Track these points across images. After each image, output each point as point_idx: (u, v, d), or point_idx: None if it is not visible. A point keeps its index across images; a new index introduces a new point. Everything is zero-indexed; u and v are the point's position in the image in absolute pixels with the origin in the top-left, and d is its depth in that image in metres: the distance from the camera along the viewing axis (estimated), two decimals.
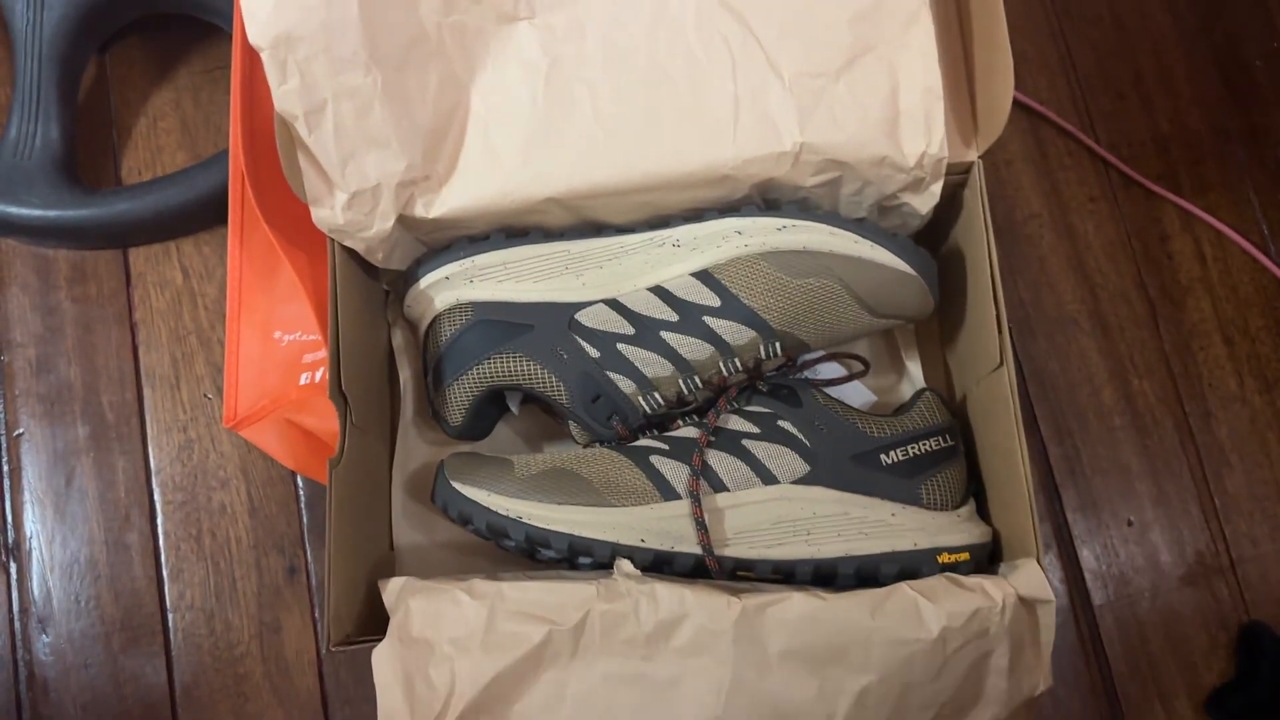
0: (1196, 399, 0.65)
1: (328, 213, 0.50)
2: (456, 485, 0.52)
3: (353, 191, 0.49)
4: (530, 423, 0.61)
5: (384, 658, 0.45)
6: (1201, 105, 0.70)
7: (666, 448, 0.53)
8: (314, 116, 0.48)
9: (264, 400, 0.58)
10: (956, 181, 0.53)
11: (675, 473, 0.52)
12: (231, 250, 0.60)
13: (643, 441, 0.54)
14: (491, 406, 0.57)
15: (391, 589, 0.47)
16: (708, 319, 0.52)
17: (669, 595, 0.45)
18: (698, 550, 0.51)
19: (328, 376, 0.49)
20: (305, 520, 0.62)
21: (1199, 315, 0.67)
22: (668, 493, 0.52)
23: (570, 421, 0.55)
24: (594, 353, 0.52)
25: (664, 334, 0.52)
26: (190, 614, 0.60)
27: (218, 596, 0.61)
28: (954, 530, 0.52)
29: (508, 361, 0.53)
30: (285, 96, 0.48)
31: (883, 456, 0.53)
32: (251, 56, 0.56)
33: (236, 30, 0.56)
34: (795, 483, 0.52)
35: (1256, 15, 0.71)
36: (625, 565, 0.48)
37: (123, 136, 0.67)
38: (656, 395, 0.53)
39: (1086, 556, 0.63)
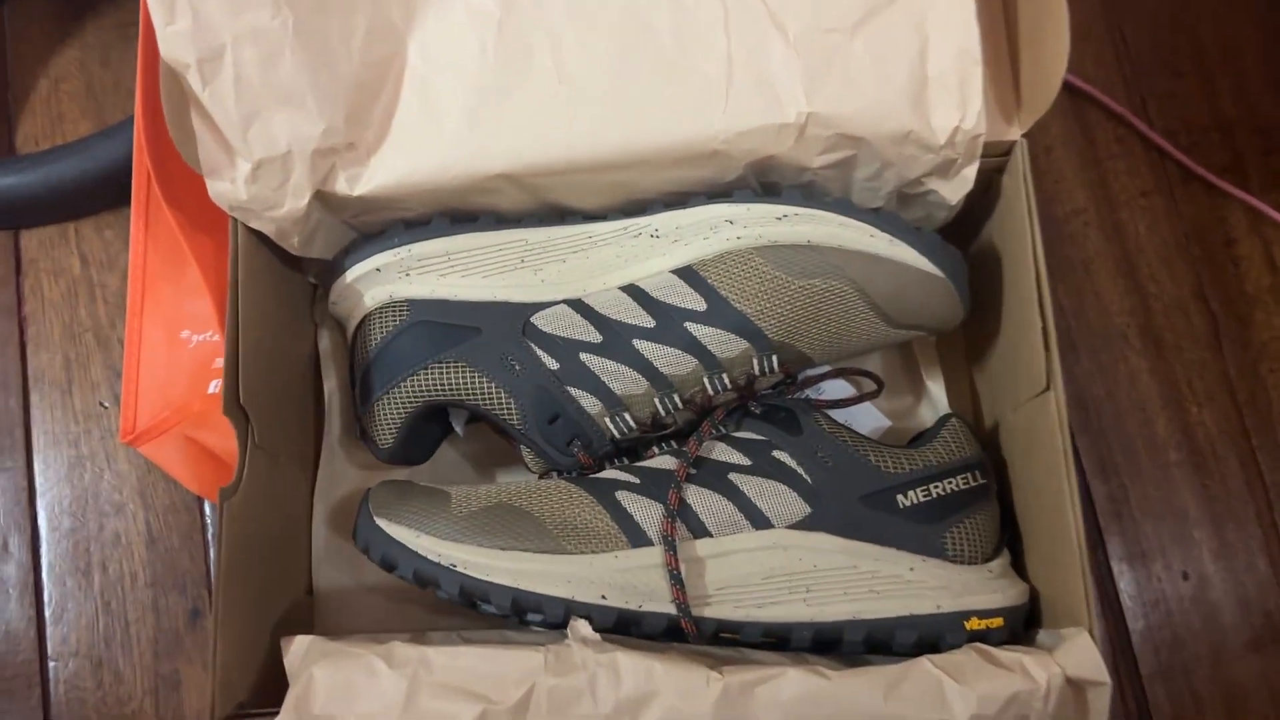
0: (1266, 431, 0.61)
1: (227, 186, 0.45)
2: (381, 522, 0.47)
3: (258, 160, 0.44)
4: (479, 446, 0.55)
5: None
6: (1273, 88, 0.65)
7: (637, 481, 0.48)
8: (209, 65, 0.43)
9: (166, 411, 0.53)
10: (993, 165, 0.48)
11: (646, 513, 0.47)
12: (135, 234, 0.55)
13: (608, 473, 0.49)
14: (430, 425, 0.52)
15: (295, 650, 0.42)
16: (690, 325, 0.47)
17: (634, 668, 0.40)
18: (671, 609, 0.45)
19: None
20: (212, 555, 0.57)
21: (1269, 333, 0.62)
22: (636, 538, 0.46)
23: (523, 446, 0.49)
24: (552, 364, 0.47)
25: (637, 342, 0.47)
26: (74, 662, 0.57)
27: (107, 642, 0.56)
28: (985, 589, 0.47)
29: (448, 372, 0.47)
30: (173, 40, 0.43)
31: (899, 497, 0.47)
32: None
33: None
34: (792, 527, 0.46)
35: None
36: (582, 627, 0.43)
37: (19, 100, 0.64)
38: (627, 416, 0.48)
39: (1134, 615, 0.58)
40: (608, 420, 0.48)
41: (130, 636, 0.56)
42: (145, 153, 0.51)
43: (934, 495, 0.47)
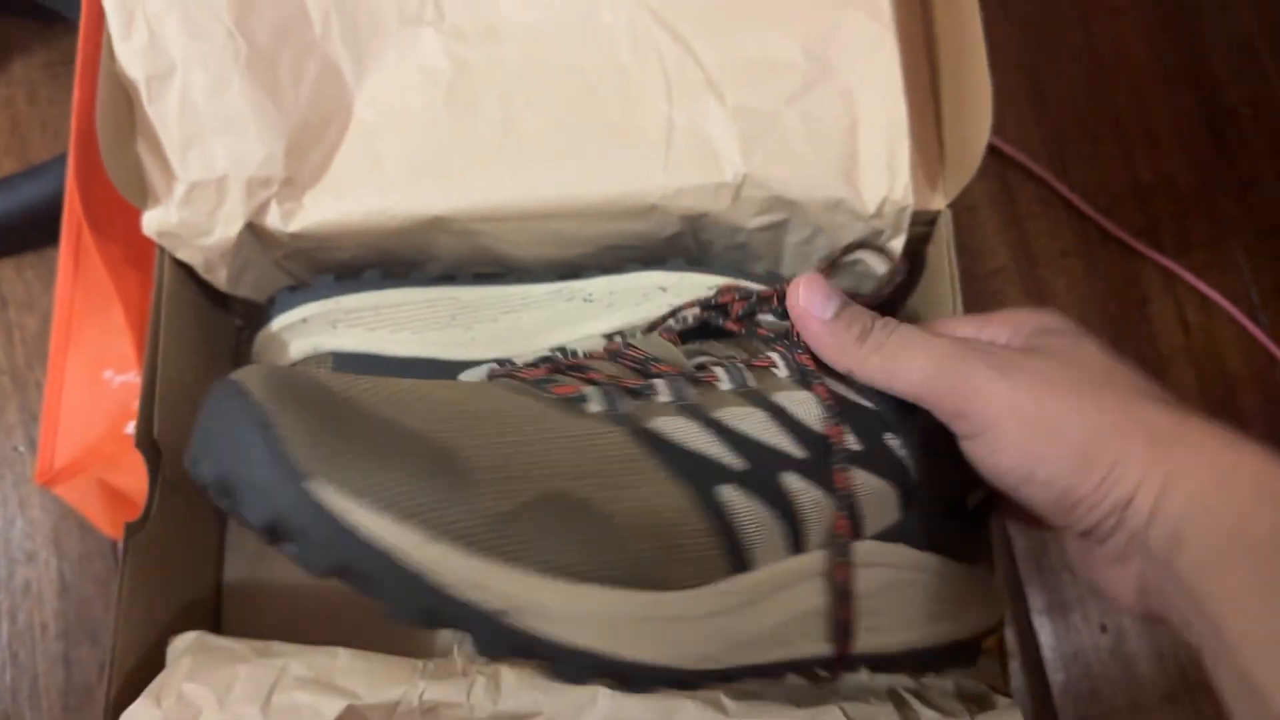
0: None
1: (160, 210, 0.44)
2: (333, 499, 0.28)
3: (193, 182, 0.43)
4: None
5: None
6: (1186, 153, 0.66)
7: (742, 467, 0.33)
8: (158, 83, 0.43)
9: (82, 452, 0.51)
10: (919, 235, 0.48)
11: (753, 518, 0.33)
12: (63, 272, 0.53)
13: (673, 424, 0.34)
14: None
15: (177, 644, 0.40)
16: None
17: (517, 682, 0.36)
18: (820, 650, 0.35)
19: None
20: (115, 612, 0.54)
21: (1181, 391, 0.62)
22: (737, 556, 0.33)
23: None
24: None
25: None
26: None
27: (14, 695, 0.53)
28: (995, 596, 0.40)
29: None
30: (128, 56, 0.43)
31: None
32: (98, 44, 0.50)
33: (86, 6, 0.49)
34: (877, 538, 0.36)
35: (1243, 56, 0.68)
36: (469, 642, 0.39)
37: None
38: None
39: (1054, 667, 0.58)
40: None
41: (39, 690, 0.53)
42: (77, 189, 0.49)
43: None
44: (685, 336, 0.41)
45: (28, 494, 0.55)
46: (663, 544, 0.32)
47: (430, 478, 0.29)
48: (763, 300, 0.40)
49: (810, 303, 0.37)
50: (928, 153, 0.47)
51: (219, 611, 0.50)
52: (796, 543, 0.35)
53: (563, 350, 0.46)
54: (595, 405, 0.33)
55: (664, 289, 0.46)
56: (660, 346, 0.38)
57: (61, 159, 0.55)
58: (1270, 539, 0.27)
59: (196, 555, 0.49)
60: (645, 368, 0.36)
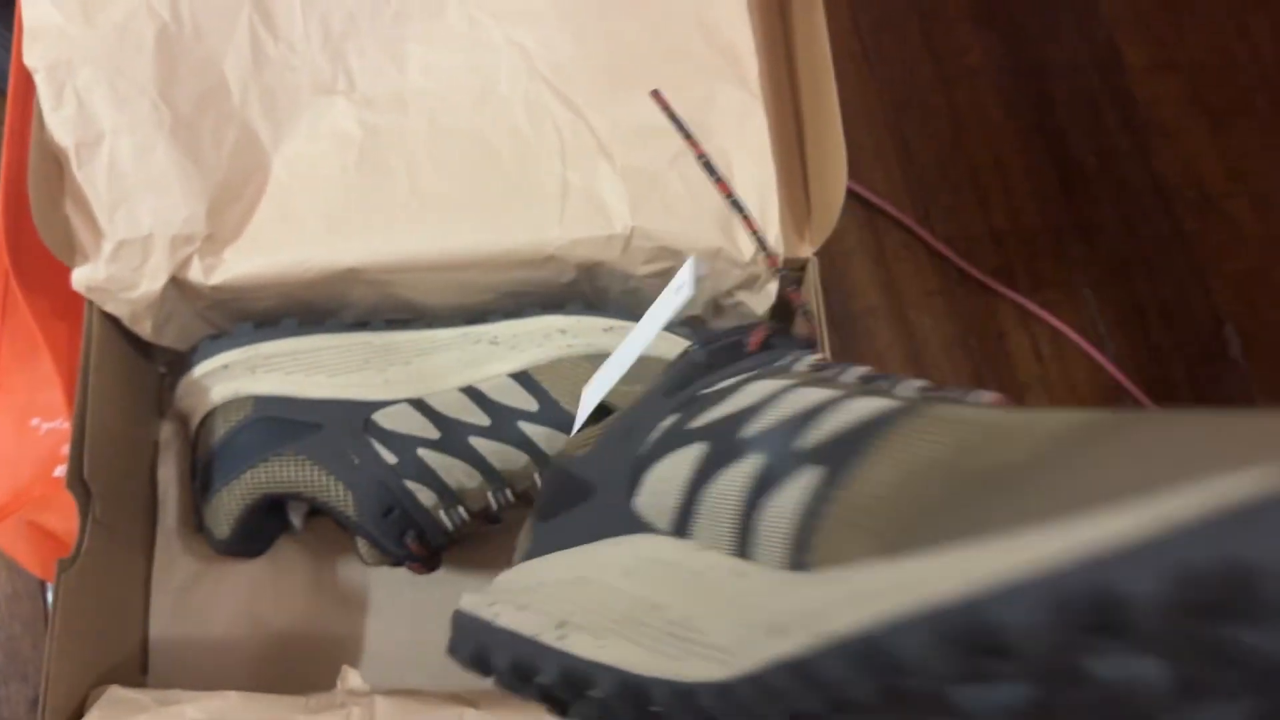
0: None
1: (89, 268, 0.46)
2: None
3: (120, 240, 0.46)
4: (317, 539, 0.54)
5: None
6: (1037, 201, 0.71)
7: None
8: (87, 150, 0.45)
9: (9, 496, 0.52)
10: (792, 279, 0.52)
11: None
12: None
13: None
14: (269, 519, 0.51)
15: (93, 696, 0.43)
16: (523, 424, 0.48)
17: (390, 708, 0.40)
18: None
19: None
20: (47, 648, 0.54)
21: None
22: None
23: (359, 538, 0.50)
24: (391, 458, 0.48)
25: (473, 439, 0.48)
26: None
27: None
28: None
29: (288, 466, 0.48)
30: (58, 125, 0.45)
31: None
32: (25, 108, 0.52)
33: (14, 73, 0.50)
34: None
35: (1088, 113, 0.73)
36: (351, 678, 0.43)
37: None
38: (460, 509, 0.49)
39: None
40: (442, 512, 0.48)
41: None
42: (5, 248, 0.50)
43: None
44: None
45: None
46: None
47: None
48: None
49: None
50: (795, 208, 0.51)
51: (146, 643, 0.52)
52: None
53: (522, 377, 0.48)
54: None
55: (563, 331, 0.49)
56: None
57: None
58: None
59: (125, 592, 0.51)
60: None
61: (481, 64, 0.50)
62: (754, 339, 0.36)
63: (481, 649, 0.32)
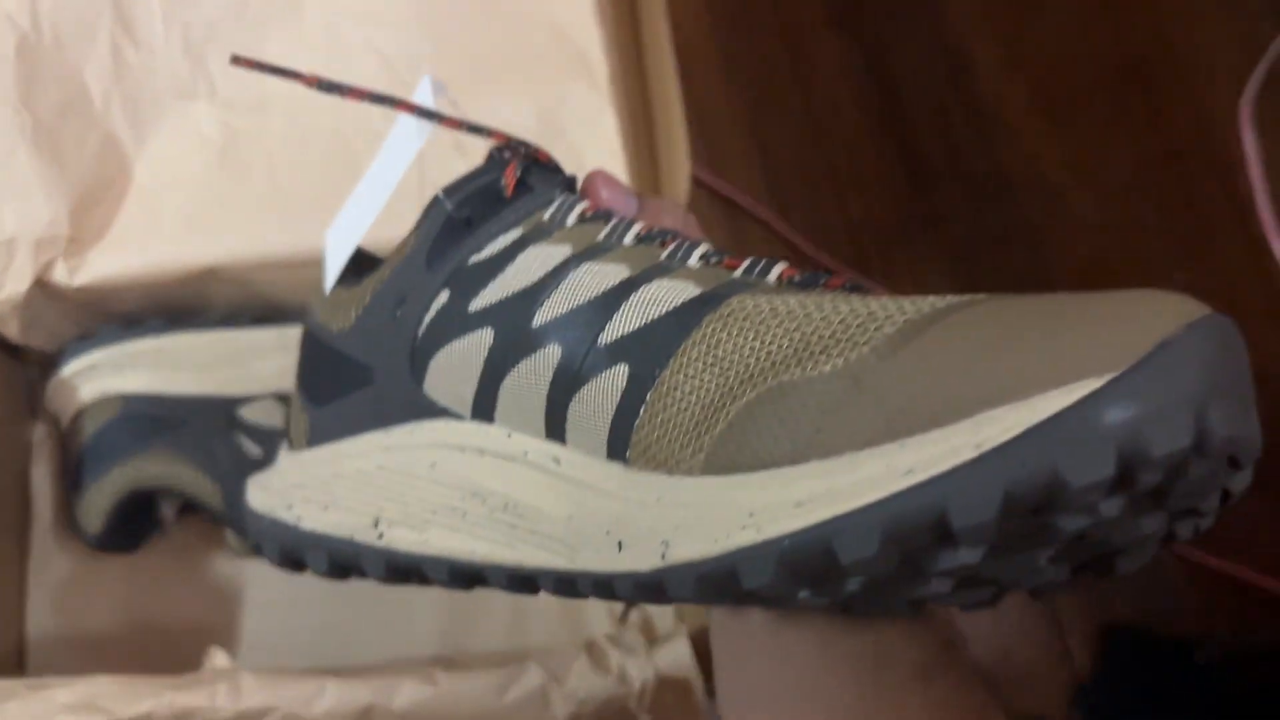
0: None
1: None
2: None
3: None
4: (189, 534, 0.55)
5: None
6: (889, 194, 0.74)
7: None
8: None
9: None
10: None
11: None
12: None
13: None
14: (141, 514, 0.52)
15: None
16: None
17: (255, 683, 0.41)
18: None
19: None
20: None
21: None
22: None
23: (229, 530, 0.51)
24: (256, 451, 0.49)
25: None
26: None
27: None
28: None
29: (156, 461, 0.49)
30: None
31: None
32: None
33: None
34: None
35: (937, 111, 0.77)
36: (219, 656, 0.44)
37: None
38: None
39: None
40: None
41: None
42: None
43: None
44: None
45: None
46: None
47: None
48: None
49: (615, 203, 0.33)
50: None
51: (22, 641, 0.53)
52: None
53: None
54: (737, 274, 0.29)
55: None
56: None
57: None
58: None
59: (1, 590, 0.51)
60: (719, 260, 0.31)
61: (340, 66, 0.51)
62: (508, 180, 0.33)
63: (291, 550, 0.33)
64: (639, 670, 0.44)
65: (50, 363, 0.52)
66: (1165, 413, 0.20)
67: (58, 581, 0.54)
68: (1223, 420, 0.21)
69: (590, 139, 0.52)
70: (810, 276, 0.29)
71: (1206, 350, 0.21)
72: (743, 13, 0.77)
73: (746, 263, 0.29)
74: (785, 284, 0.28)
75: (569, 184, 0.34)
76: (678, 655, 0.45)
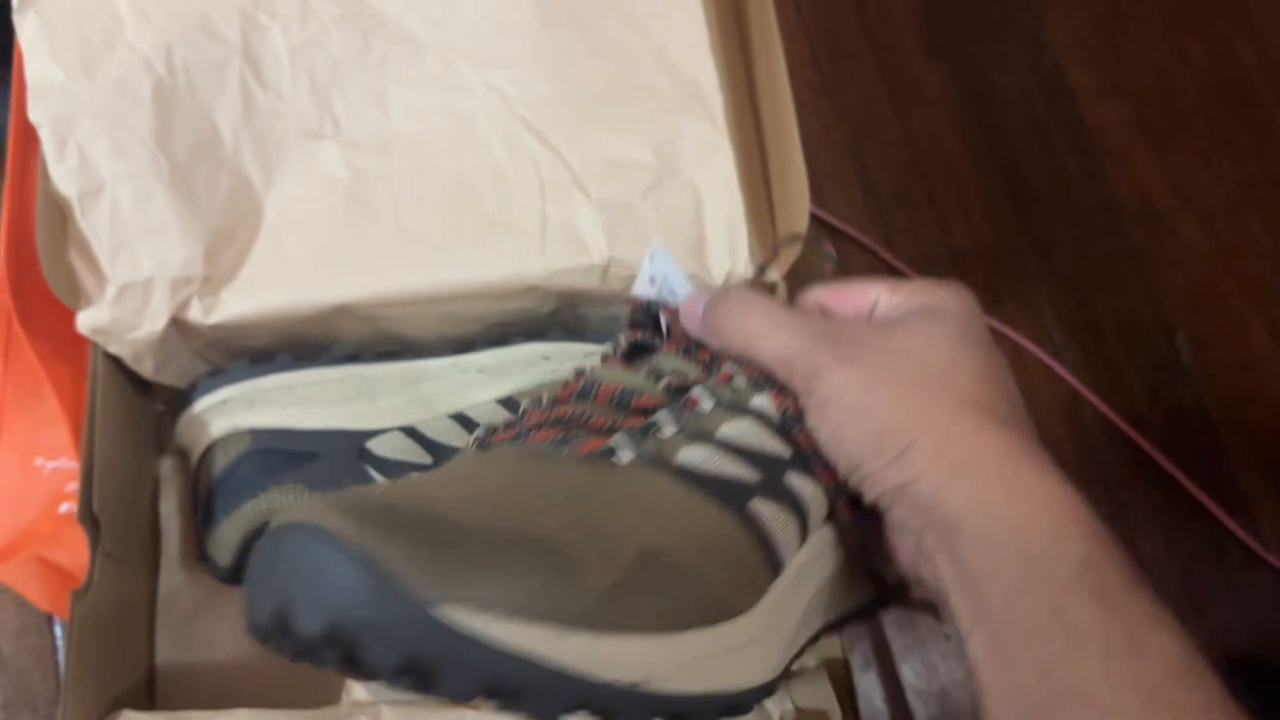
0: None
1: (93, 311, 0.47)
2: (465, 619, 0.27)
3: (122, 284, 0.47)
4: None
5: None
6: (992, 221, 0.74)
7: (757, 478, 0.35)
8: (89, 199, 0.47)
9: (17, 534, 0.53)
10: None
11: (778, 522, 0.35)
12: None
13: (695, 454, 0.35)
14: None
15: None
16: None
17: (394, 717, 0.41)
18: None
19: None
20: (63, 674, 0.54)
21: None
22: (773, 560, 0.35)
23: None
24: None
25: None
26: None
27: None
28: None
29: (286, 494, 0.49)
30: (62, 176, 0.47)
31: None
32: (25, 160, 0.54)
33: (13, 127, 0.53)
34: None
35: (1038, 138, 0.77)
36: (356, 689, 0.42)
37: None
38: None
39: (907, 673, 0.63)
40: None
41: None
42: (8, 291, 0.52)
43: None
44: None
45: None
46: (730, 571, 0.33)
47: (542, 572, 0.29)
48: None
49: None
50: (763, 235, 0.54)
51: (152, 671, 0.54)
52: (804, 532, 0.37)
53: (508, 402, 0.50)
54: (626, 454, 0.34)
55: (546, 357, 0.51)
56: (627, 377, 0.39)
57: None
58: (1039, 549, 0.32)
59: (133, 621, 0.52)
60: (628, 402, 0.38)
61: (460, 106, 0.52)
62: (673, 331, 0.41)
63: None
64: (777, 705, 0.44)
65: (180, 398, 0.52)
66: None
67: (185, 614, 0.55)
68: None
69: (705, 172, 0.52)
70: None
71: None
72: (840, 41, 0.77)
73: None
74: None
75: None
76: (815, 688, 0.45)
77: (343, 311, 0.50)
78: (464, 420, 0.51)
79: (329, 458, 0.50)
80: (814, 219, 0.70)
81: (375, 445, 0.50)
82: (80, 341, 0.48)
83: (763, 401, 0.37)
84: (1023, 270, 0.73)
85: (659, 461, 0.34)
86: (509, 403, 0.51)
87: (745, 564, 0.33)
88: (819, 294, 0.43)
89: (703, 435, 0.35)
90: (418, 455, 0.50)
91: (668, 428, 0.36)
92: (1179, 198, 0.76)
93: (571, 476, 0.33)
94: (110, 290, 0.47)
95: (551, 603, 0.28)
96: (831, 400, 0.36)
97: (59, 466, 0.55)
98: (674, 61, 0.54)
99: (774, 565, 0.35)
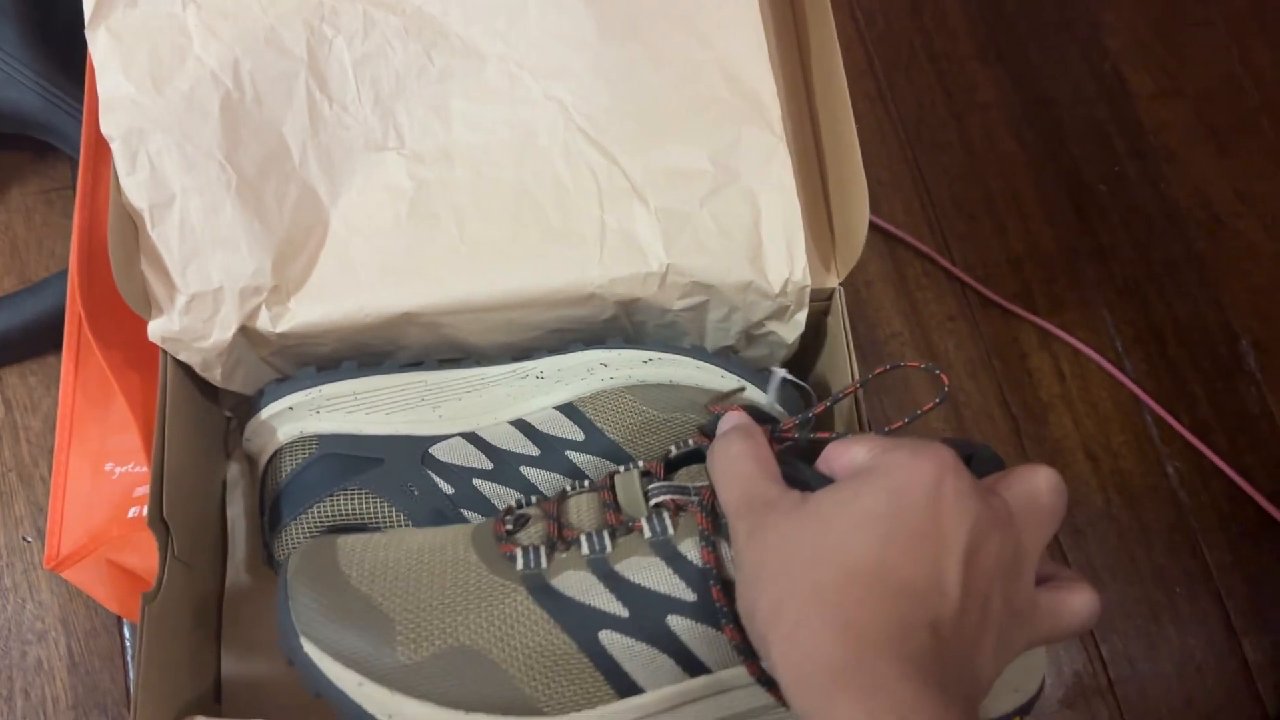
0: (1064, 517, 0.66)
1: (163, 319, 0.48)
2: (310, 650, 0.41)
3: (193, 294, 0.48)
4: None
5: None
6: (1051, 226, 0.73)
7: (626, 614, 0.40)
8: (160, 211, 0.48)
9: (87, 538, 0.55)
10: (820, 309, 0.54)
11: (635, 655, 0.40)
12: (65, 375, 0.57)
13: (571, 581, 0.41)
14: None
15: None
16: (570, 453, 0.51)
17: None
18: None
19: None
20: (131, 675, 0.57)
21: (1061, 432, 0.68)
22: (624, 685, 0.40)
23: None
24: (448, 489, 0.50)
25: (524, 469, 0.50)
26: None
27: None
28: None
29: (353, 499, 0.50)
30: (133, 188, 0.48)
31: None
32: (96, 172, 0.55)
33: (85, 139, 0.55)
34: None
35: (1097, 141, 0.76)
36: None
37: None
38: None
39: None
40: None
41: None
42: (79, 300, 0.53)
43: None
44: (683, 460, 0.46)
45: (37, 579, 0.58)
46: (548, 679, 0.40)
47: (366, 635, 0.40)
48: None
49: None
50: (821, 241, 0.54)
51: (219, 674, 0.55)
52: (691, 668, 0.40)
53: (566, 408, 0.51)
54: (519, 564, 0.42)
55: (605, 364, 0.51)
56: (629, 491, 0.44)
57: (60, 276, 0.59)
58: None
59: (202, 624, 0.53)
60: (603, 515, 0.43)
61: (521, 117, 0.53)
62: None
63: None
64: None
65: (247, 405, 0.53)
66: None
67: (251, 618, 0.56)
68: None
69: (764, 179, 0.52)
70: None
71: None
72: (896, 47, 0.76)
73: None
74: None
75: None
76: None
77: (406, 319, 0.51)
78: (524, 426, 0.51)
79: (393, 463, 0.50)
80: (871, 226, 0.70)
81: (438, 450, 0.51)
82: (150, 349, 0.49)
83: (690, 548, 0.40)
84: (1082, 276, 0.72)
85: (534, 579, 0.41)
86: (568, 409, 0.51)
87: (578, 679, 0.39)
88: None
89: (599, 564, 0.41)
90: (479, 460, 0.51)
91: (582, 548, 0.42)
92: (1243, 202, 0.74)
93: (461, 567, 0.42)
94: (180, 300, 0.48)
95: (365, 659, 0.40)
96: (738, 562, 0.37)
97: (128, 471, 0.56)
98: (733, 71, 0.54)
99: (623, 690, 0.40)
